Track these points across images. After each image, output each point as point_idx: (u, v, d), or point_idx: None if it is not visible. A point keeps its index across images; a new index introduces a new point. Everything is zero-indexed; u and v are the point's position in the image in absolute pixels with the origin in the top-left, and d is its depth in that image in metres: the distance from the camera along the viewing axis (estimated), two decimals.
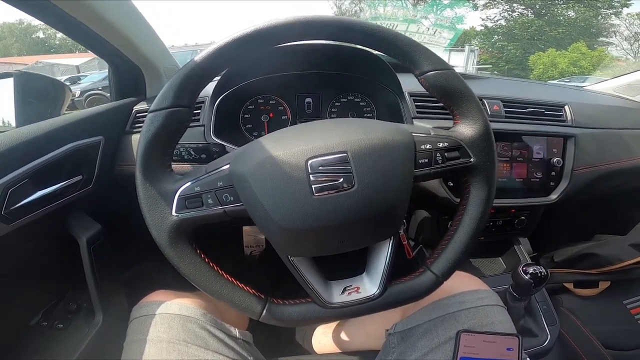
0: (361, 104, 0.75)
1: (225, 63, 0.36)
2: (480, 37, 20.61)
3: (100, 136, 0.62)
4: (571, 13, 17.51)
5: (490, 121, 0.67)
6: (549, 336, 0.66)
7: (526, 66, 16.33)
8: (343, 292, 0.38)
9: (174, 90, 0.35)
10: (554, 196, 0.72)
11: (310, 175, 0.33)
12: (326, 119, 0.75)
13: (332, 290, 0.39)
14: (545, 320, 0.68)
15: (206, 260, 0.37)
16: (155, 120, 0.35)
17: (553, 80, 12.93)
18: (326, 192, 0.32)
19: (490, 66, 17.84)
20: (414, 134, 0.38)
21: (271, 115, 0.73)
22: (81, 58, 18.85)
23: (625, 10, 16.74)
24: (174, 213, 0.35)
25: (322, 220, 0.33)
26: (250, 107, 0.73)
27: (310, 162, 0.33)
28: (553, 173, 0.73)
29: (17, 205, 0.47)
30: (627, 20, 16.97)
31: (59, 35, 30.10)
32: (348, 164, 0.33)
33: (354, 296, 0.38)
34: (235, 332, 0.51)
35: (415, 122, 0.67)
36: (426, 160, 0.37)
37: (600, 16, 17.15)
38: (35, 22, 29.16)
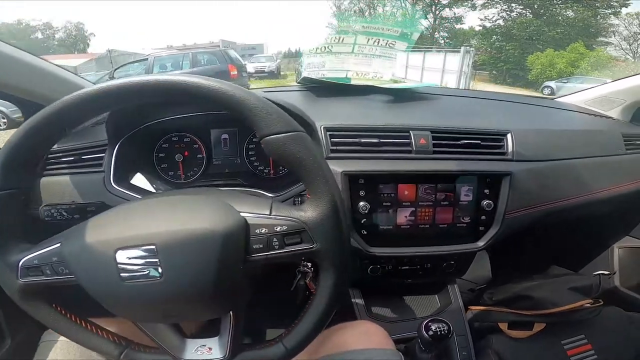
0: None
1: (43, 141, 0.38)
2: (478, 37, 20.53)
3: None
4: (570, 13, 17.40)
5: (415, 159, 0.65)
6: None
7: (524, 66, 16.24)
8: (196, 350, 0.42)
9: None
10: (481, 243, 0.67)
11: (119, 265, 0.35)
12: (243, 157, 0.73)
13: (186, 347, 0.42)
14: None
15: (63, 312, 0.42)
16: None
17: (551, 80, 12.85)
18: (134, 281, 0.35)
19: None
20: (247, 216, 0.36)
21: (186, 153, 0.71)
22: (79, 59, 18.84)
23: (624, 10, 16.65)
24: (19, 279, 0.39)
25: (134, 303, 0.37)
26: (164, 145, 0.71)
27: (118, 252, 0.35)
28: (483, 217, 0.66)
29: None
30: (626, 20, 16.87)
31: (57, 35, 30.20)
32: (155, 256, 0.35)
33: (205, 356, 0.42)
34: None
35: (328, 163, 0.63)
36: (261, 246, 0.36)
37: (599, 16, 17.04)
38: (34, 22, 29.28)
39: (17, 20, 28.94)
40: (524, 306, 0.77)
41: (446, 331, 0.54)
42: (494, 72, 18.41)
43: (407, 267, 0.71)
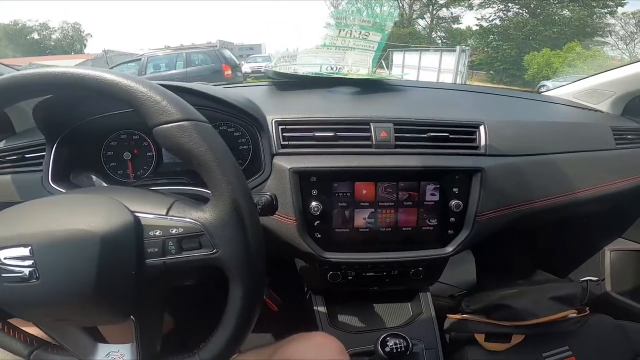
0: (235, 134, 0.66)
1: None
2: (475, 37, 20.52)
3: None
4: (566, 12, 17.42)
5: (375, 154, 0.59)
6: None
7: (521, 66, 16.21)
8: (108, 355, 0.40)
9: None
10: (450, 248, 0.60)
11: None
12: None
13: (97, 351, 0.40)
14: None
15: None
16: None
17: (547, 80, 12.82)
18: (12, 283, 0.33)
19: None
20: (142, 216, 0.33)
21: (135, 151, 0.66)
22: (75, 60, 18.75)
23: (620, 10, 16.66)
24: None
25: (16, 305, 0.35)
26: (112, 143, 0.66)
27: None
28: (452, 219, 0.60)
29: None
30: (622, 20, 16.88)
31: (54, 36, 30.07)
32: (31, 257, 0.32)
33: None
34: None
35: (277, 159, 0.57)
36: (156, 250, 0.32)
37: (595, 15, 17.05)
38: (30, 23, 29.11)
39: (14, 21, 28.68)
40: (502, 316, 0.71)
41: (404, 348, 0.48)
42: (491, 72, 18.38)
43: (371, 274, 0.64)
